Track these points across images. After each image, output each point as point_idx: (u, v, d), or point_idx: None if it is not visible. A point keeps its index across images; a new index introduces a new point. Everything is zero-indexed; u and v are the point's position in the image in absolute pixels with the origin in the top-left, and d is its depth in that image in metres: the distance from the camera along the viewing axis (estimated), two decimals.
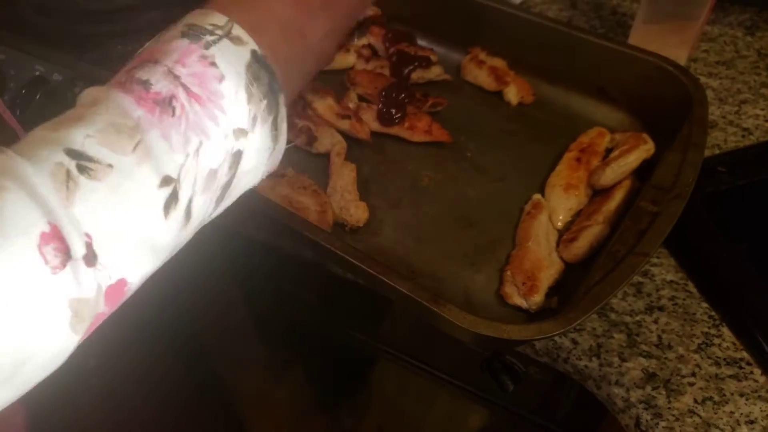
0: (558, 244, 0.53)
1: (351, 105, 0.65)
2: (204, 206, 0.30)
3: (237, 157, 0.31)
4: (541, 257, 0.51)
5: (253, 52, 0.31)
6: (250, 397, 0.98)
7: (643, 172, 0.55)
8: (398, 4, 0.73)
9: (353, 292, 0.59)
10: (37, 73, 0.74)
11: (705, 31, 0.73)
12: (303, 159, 0.62)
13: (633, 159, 0.54)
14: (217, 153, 0.29)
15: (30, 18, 0.79)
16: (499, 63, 0.67)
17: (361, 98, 0.66)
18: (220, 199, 0.31)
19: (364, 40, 0.73)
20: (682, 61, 0.68)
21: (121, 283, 0.27)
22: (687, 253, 0.53)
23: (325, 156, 0.61)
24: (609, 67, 0.62)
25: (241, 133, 0.30)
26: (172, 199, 0.28)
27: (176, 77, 0.29)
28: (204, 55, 0.29)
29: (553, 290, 0.50)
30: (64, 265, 0.24)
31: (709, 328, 0.49)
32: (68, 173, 0.25)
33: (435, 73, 0.68)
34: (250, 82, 0.30)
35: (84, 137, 0.26)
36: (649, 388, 0.46)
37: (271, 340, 0.91)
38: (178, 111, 0.28)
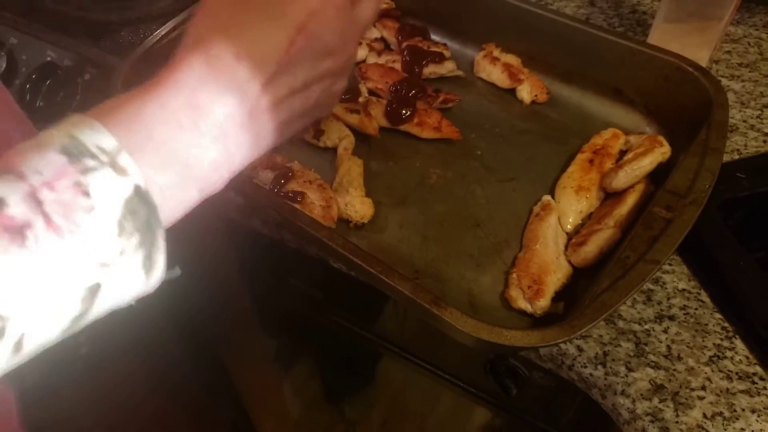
0: (566, 247, 0.52)
1: (360, 99, 0.63)
2: (44, 336, 0.27)
3: (93, 290, 0.27)
4: (549, 261, 0.49)
5: (137, 187, 0.28)
6: (257, 389, 0.98)
7: (658, 176, 0.53)
8: None
9: (357, 289, 0.58)
10: (49, 58, 0.74)
11: (728, 32, 0.71)
12: (309, 153, 0.61)
13: (647, 162, 0.52)
14: (66, 289, 0.26)
15: (43, 3, 0.79)
16: (513, 60, 0.66)
17: (371, 92, 0.65)
18: (69, 328, 0.28)
19: (376, 33, 0.72)
20: (703, 62, 0.66)
21: None
22: (701, 261, 0.51)
23: (332, 150, 0.60)
24: (626, 66, 0.60)
25: (102, 266, 0.27)
26: None
27: (39, 202, 0.25)
28: (78, 182, 0.26)
29: (560, 295, 0.49)
30: None
31: (721, 340, 0.47)
32: None
33: (448, 68, 0.67)
34: (124, 216, 0.27)
35: None
36: (656, 400, 0.45)
37: (277, 334, 0.91)
38: (29, 242, 0.25)
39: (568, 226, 0.53)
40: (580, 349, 0.48)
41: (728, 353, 0.47)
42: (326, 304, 0.72)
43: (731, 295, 0.49)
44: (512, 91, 0.65)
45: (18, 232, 0.24)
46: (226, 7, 0.33)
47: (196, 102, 0.30)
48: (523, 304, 0.48)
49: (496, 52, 0.67)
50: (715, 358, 0.46)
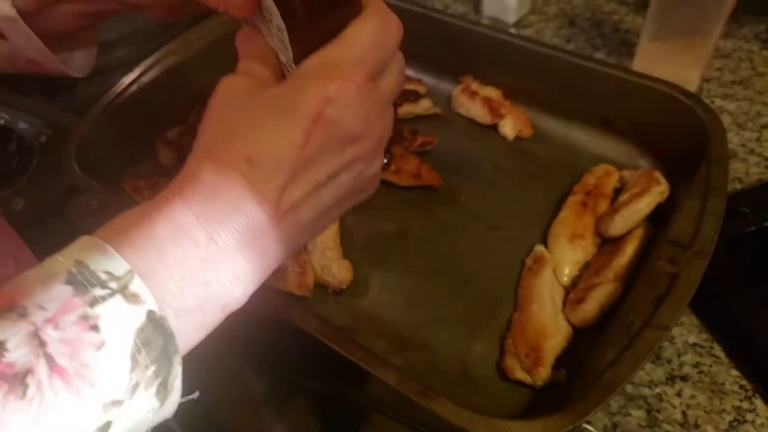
0: (564, 303, 0.48)
1: None
2: None
3: (104, 428, 0.25)
4: (546, 323, 0.45)
5: (150, 313, 0.25)
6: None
7: (657, 214, 0.49)
8: None
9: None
10: (2, 121, 0.69)
11: (717, 47, 0.67)
12: None
13: (645, 205, 0.48)
14: None
15: None
16: (493, 93, 0.62)
17: None
18: None
19: None
20: (694, 82, 0.62)
21: None
22: (711, 311, 0.47)
23: None
24: (613, 96, 0.56)
25: (114, 404, 0.24)
26: None
27: (42, 343, 0.23)
28: (86, 315, 0.24)
29: (561, 358, 0.45)
30: None
31: (740, 401, 0.43)
32: None
33: (424, 107, 0.63)
34: (137, 349, 0.25)
35: None
36: None
37: (270, 376, 0.86)
38: (31, 391, 0.22)
39: (565, 278, 0.49)
40: (587, 421, 0.43)
41: (749, 416, 0.43)
42: (311, 366, 0.67)
43: (747, 347, 0.45)
44: (494, 128, 0.61)
45: (19, 380, 0.22)
46: (233, 109, 0.30)
47: (209, 215, 0.27)
48: (521, 375, 0.43)
49: (475, 86, 0.63)
50: (735, 423, 0.42)
